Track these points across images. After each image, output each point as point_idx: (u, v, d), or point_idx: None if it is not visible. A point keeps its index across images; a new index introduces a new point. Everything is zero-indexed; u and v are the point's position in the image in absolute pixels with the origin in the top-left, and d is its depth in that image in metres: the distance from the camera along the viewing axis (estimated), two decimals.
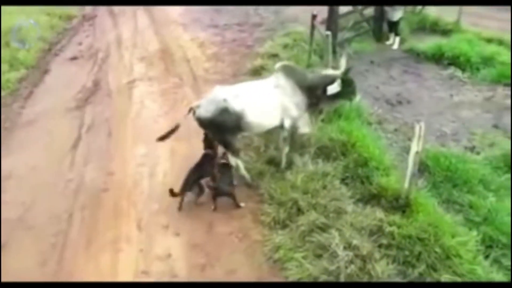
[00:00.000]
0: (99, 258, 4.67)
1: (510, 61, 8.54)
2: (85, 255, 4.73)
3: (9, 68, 9.27)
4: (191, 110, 5.18)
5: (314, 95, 5.44)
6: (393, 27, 9.91)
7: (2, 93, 8.41)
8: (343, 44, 9.26)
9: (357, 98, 5.80)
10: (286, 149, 5.59)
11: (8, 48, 9.90)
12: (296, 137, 5.66)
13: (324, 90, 5.40)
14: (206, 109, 5.06)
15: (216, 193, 5.15)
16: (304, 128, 5.65)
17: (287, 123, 5.36)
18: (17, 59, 9.64)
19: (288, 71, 5.39)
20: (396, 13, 9.67)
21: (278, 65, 5.58)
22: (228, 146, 5.35)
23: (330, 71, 5.71)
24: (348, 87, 5.51)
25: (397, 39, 9.94)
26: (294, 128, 5.47)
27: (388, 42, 10.09)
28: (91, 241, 4.90)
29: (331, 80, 5.40)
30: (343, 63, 5.55)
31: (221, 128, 5.13)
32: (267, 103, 5.26)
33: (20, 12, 11.63)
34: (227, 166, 5.30)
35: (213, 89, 5.37)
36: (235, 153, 5.40)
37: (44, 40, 11.03)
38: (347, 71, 5.46)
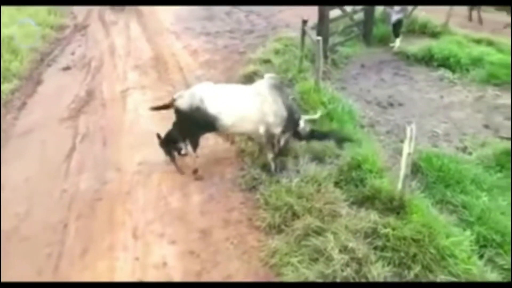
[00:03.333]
0: (95, 267, 4.66)
1: (499, 62, 8.65)
2: (81, 265, 4.72)
3: (1, 79, 9.23)
4: (174, 100, 5.48)
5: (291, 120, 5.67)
6: (393, 29, 10.05)
7: None
8: (333, 49, 9.37)
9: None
10: (269, 155, 5.69)
11: (1, 60, 9.87)
12: (277, 145, 5.79)
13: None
14: (184, 102, 5.36)
15: None
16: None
17: (262, 129, 5.49)
18: (9, 70, 9.60)
19: (273, 83, 5.62)
20: (393, 16, 9.89)
21: (266, 75, 5.86)
22: (191, 142, 5.70)
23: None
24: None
25: (397, 40, 10.07)
26: (269, 135, 5.57)
27: (391, 44, 10.19)
28: (87, 250, 4.89)
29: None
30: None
31: (191, 124, 5.42)
32: (245, 107, 5.42)
33: (10, 23, 11.57)
34: None
35: (198, 84, 5.59)
36: (195, 150, 5.74)
37: (36, 51, 10.99)
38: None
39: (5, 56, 10.01)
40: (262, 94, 5.48)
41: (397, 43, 10.04)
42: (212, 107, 5.29)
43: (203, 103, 5.28)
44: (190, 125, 5.49)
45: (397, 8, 9.81)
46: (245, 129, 5.58)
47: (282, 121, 5.52)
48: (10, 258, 4.89)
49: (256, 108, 5.43)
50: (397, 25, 9.97)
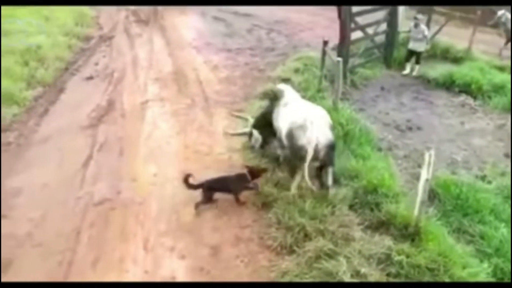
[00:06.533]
0: (105, 278, 4.64)
1: None
2: (91, 274, 4.71)
3: (26, 86, 9.49)
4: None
5: None
6: (417, 56, 10.03)
7: (18, 110, 8.60)
8: (353, 70, 9.38)
9: None
10: None
11: (27, 67, 10.15)
12: None
13: None
14: (326, 137, 5.10)
15: None
16: None
17: None
18: (34, 77, 9.87)
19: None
20: (422, 44, 9.88)
21: (282, 86, 6.20)
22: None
23: None
24: None
25: (417, 67, 10.09)
26: None
27: (404, 72, 10.16)
28: (98, 260, 4.89)
29: None
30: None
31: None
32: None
33: (38, 32, 11.93)
34: None
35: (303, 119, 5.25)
36: None
37: (62, 60, 11.28)
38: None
39: (32, 63, 10.32)
40: (299, 98, 6.02)
41: (417, 69, 10.03)
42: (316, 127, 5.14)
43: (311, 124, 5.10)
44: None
45: (419, 36, 9.78)
46: None
47: None
48: (21, 263, 4.92)
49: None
50: (421, 53, 9.96)
